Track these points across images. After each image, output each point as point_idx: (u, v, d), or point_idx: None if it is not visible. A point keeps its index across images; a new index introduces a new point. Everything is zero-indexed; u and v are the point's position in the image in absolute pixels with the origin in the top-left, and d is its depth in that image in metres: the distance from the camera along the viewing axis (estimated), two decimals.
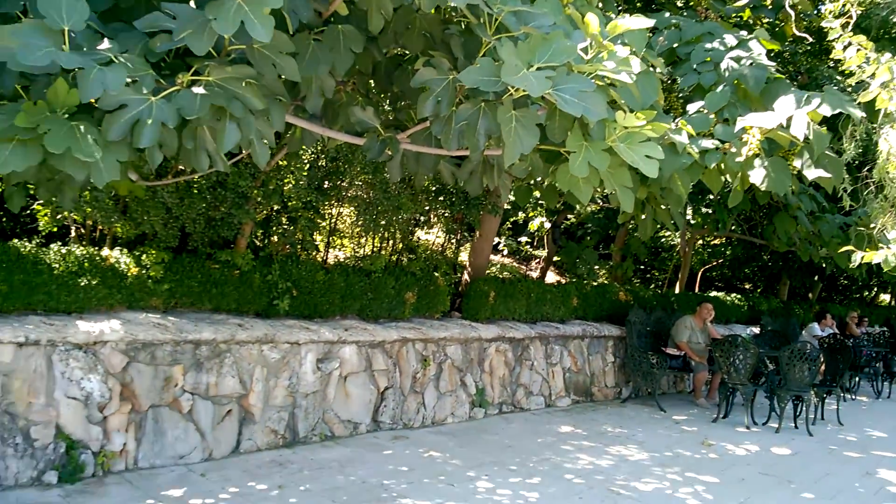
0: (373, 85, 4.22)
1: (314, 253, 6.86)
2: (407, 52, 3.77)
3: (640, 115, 3.02)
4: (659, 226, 9.13)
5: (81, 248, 4.92)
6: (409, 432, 6.40)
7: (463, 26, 3.40)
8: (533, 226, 10.66)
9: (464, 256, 8.86)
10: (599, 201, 9.45)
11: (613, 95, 3.10)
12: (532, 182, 6.67)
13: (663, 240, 12.30)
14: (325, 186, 6.68)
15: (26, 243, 4.70)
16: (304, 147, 5.28)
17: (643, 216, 5.94)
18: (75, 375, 4.58)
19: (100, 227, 5.58)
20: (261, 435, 5.54)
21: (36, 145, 2.51)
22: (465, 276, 8.24)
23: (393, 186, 6.82)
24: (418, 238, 8.55)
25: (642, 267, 13.14)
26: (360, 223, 7.12)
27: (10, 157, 2.49)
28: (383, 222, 7.15)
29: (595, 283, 9.54)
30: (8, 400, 4.33)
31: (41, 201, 5.22)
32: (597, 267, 10.13)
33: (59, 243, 4.92)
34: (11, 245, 4.56)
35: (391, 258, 7.56)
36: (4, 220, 5.63)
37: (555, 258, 10.56)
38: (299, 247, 6.49)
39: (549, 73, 2.67)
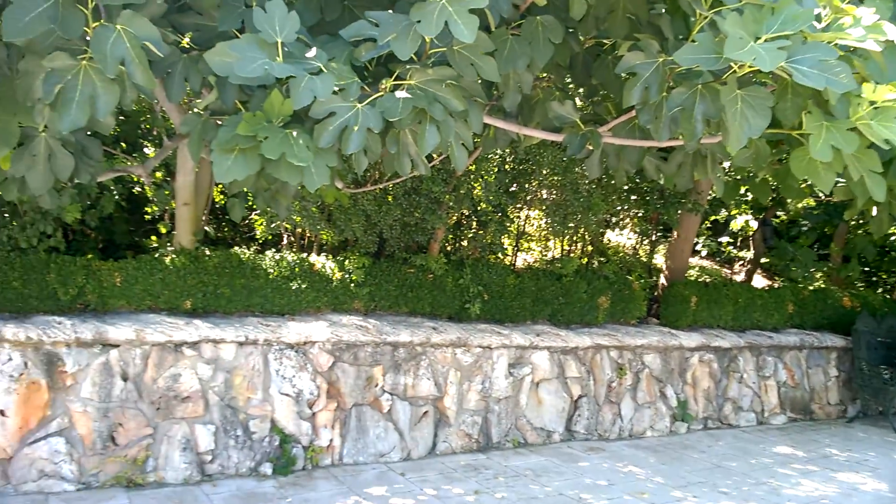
0: (569, 79, 4.04)
1: (503, 257, 6.81)
2: (605, 41, 3.55)
3: (893, 87, 2.55)
4: None
5: (292, 254, 5.26)
6: (604, 444, 6.10)
7: (665, 6, 3.13)
8: (736, 225, 9.80)
9: (658, 259, 8.34)
10: (821, 194, 8.44)
11: (858, 66, 2.65)
12: (739, 176, 6.08)
13: (893, 238, 10.75)
14: (514, 189, 6.60)
15: (245, 250, 5.10)
16: (495, 149, 5.23)
17: (874, 211, 5.16)
18: (288, 373, 4.88)
19: (307, 235, 5.94)
20: (455, 438, 5.56)
21: (254, 154, 2.65)
22: (662, 280, 7.74)
23: (583, 186, 6.58)
24: (608, 240, 8.19)
25: (867, 269, 11.59)
26: (548, 225, 6.95)
27: (233, 166, 2.64)
28: (572, 224, 6.93)
29: (812, 288, 8.53)
30: (230, 395, 4.71)
31: (258, 211, 5.67)
32: (812, 269, 9.06)
33: (273, 250, 5.30)
34: (233, 252, 4.97)
35: (581, 261, 7.30)
36: (227, 229, 6.20)
37: (762, 260, 9.63)
38: (489, 250, 6.47)
39: (781, 44, 2.33)
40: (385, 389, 5.26)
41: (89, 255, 4.62)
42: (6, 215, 4.57)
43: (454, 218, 6.25)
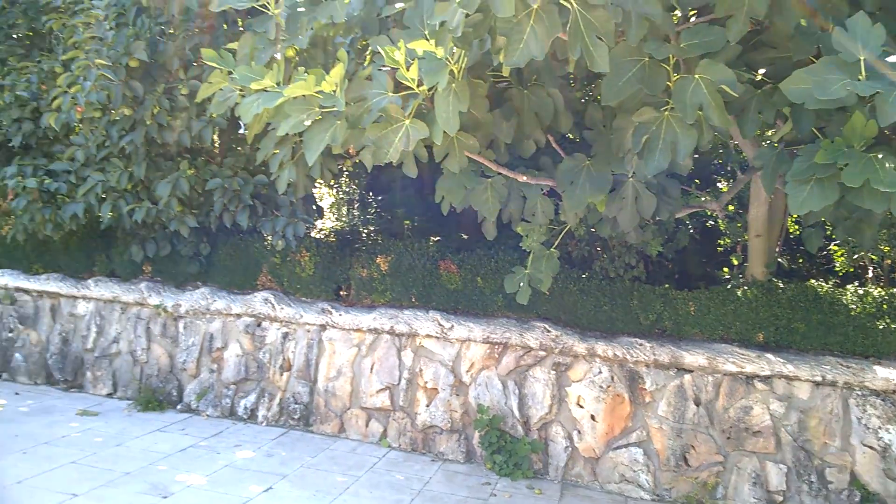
0: None
1: None
2: None
3: None
4: None
5: (879, 289, 4.66)
6: None
7: None
8: None
9: None
10: None
11: None
12: None
13: None
14: None
15: (822, 284, 4.76)
16: None
17: None
18: (872, 423, 4.33)
19: None
20: None
21: (832, 183, 2.51)
22: None
23: None
24: None
25: None
26: None
27: (808, 197, 2.56)
28: None
29: None
30: (804, 437, 4.43)
31: (837, 241, 5.22)
32: None
33: (856, 284, 4.79)
34: (809, 285, 4.69)
35: None
36: (801, 260, 5.88)
37: None
38: None
39: None
40: None
41: (666, 285, 5.01)
42: (598, 249, 5.36)
43: None
